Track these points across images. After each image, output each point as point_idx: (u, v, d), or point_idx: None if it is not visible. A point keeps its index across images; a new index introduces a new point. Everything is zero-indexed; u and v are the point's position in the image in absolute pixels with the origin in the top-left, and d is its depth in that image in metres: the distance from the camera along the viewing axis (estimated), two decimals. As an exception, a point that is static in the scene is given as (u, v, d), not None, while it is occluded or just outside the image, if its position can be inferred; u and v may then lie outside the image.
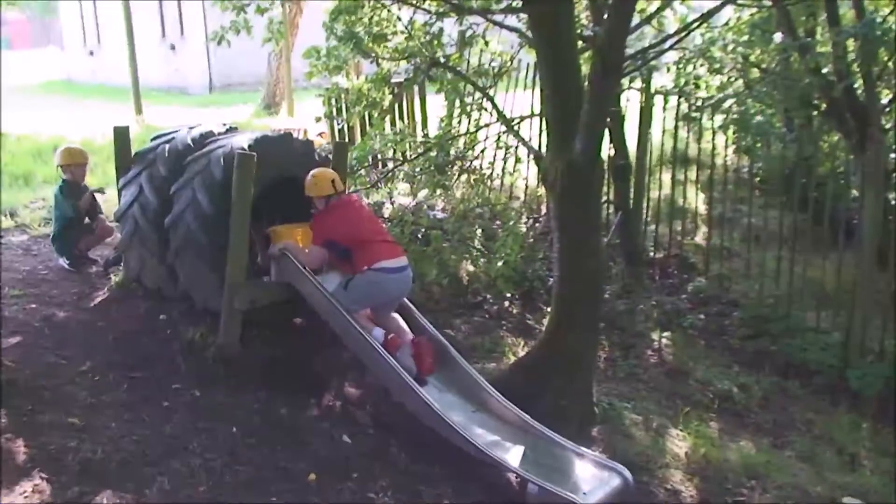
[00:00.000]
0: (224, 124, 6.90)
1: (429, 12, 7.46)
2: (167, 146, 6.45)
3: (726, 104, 8.63)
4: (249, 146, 6.02)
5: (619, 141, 9.15)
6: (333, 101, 9.74)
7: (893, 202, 9.39)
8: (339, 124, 10.17)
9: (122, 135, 6.77)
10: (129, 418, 5.13)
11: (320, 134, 11.35)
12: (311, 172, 6.12)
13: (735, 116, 8.34)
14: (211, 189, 5.98)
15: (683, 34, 6.87)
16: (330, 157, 7.10)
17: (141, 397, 5.40)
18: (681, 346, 8.06)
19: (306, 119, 12.91)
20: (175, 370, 5.78)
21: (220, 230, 5.90)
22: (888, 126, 9.26)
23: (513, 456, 5.40)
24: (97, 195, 7.52)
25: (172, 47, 26.35)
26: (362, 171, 9.05)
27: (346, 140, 10.08)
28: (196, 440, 5.04)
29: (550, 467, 5.36)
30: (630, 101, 9.41)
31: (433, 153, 8.57)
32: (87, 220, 7.41)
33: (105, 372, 5.59)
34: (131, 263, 6.66)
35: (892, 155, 9.42)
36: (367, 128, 9.97)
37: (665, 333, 8.27)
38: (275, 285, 6.19)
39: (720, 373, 7.68)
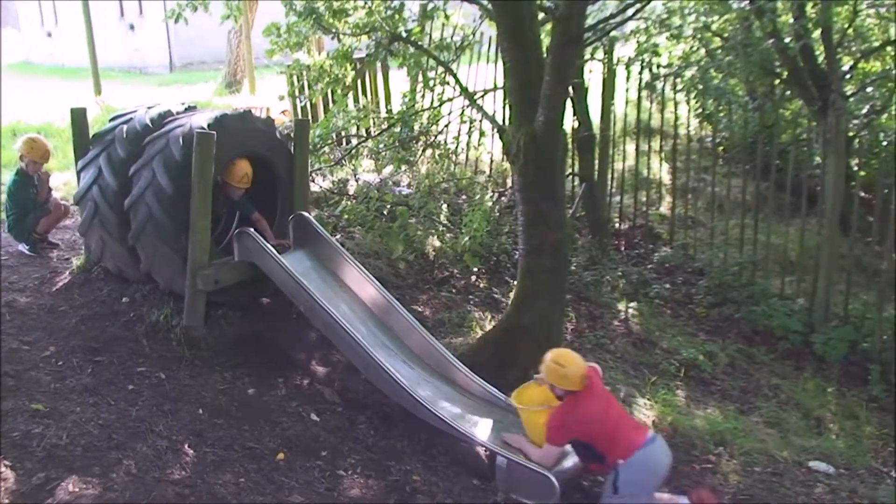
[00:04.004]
0: (183, 103, 6.80)
1: (388, -14, 7.40)
2: (125, 127, 6.35)
3: (688, 74, 8.64)
4: (209, 125, 5.95)
5: (582, 112, 9.14)
6: (296, 79, 9.65)
7: (855, 168, 9.48)
8: (301, 102, 10.06)
9: (79, 116, 6.66)
10: (94, 402, 5.09)
11: (283, 112, 11.27)
12: (556, 358, 4.99)
13: (699, 85, 8.36)
14: (171, 169, 5.91)
15: (644, 3, 6.85)
16: (292, 135, 7.04)
17: (105, 381, 5.35)
18: (647, 316, 8.13)
19: (269, 97, 12.79)
20: (139, 353, 5.75)
21: (181, 210, 5.86)
22: (849, 92, 9.32)
23: (481, 430, 5.41)
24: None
25: (131, 27, 26.01)
26: (326, 149, 9.00)
27: (310, 117, 9.99)
28: (162, 422, 5.02)
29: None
30: (593, 73, 9.39)
31: (397, 129, 8.52)
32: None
33: (69, 356, 5.55)
34: (92, 246, 6.58)
35: (854, 121, 9.51)
36: (330, 105, 9.90)
37: (631, 303, 8.32)
38: (239, 265, 6.13)
39: (686, 341, 7.76)
